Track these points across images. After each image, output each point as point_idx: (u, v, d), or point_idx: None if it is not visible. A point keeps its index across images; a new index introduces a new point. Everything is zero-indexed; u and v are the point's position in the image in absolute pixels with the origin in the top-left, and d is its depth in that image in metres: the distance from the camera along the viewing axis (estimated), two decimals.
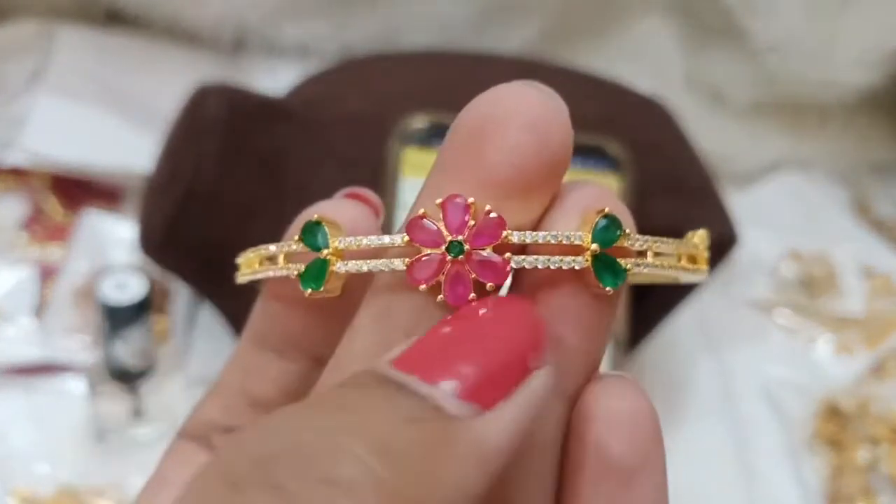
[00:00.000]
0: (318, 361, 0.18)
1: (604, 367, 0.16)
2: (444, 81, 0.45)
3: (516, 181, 0.15)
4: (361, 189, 0.18)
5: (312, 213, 0.17)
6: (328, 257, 0.16)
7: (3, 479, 0.41)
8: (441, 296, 0.15)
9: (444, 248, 0.15)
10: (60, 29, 0.57)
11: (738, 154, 0.61)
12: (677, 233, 0.18)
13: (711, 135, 0.56)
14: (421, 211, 0.15)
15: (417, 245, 0.15)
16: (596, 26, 0.61)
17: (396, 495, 0.11)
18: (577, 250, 0.15)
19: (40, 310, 0.47)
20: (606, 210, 0.15)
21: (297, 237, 0.16)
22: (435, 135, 0.40)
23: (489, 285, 0.15)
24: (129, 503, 0.40)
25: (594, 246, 0.15)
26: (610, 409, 0.15)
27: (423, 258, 0.15)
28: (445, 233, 0.15)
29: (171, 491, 0.17)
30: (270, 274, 0.17)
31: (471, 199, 0.15)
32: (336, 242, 0.16)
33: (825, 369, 0.51)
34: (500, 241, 0.15)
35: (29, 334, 0.46)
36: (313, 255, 0.16)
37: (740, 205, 0.51)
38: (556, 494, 0.15)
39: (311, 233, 0.16)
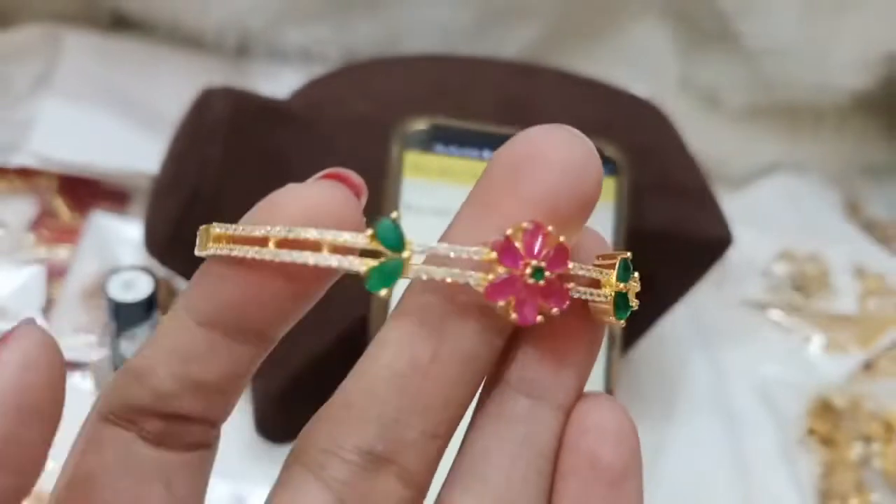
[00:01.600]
0: (268, 342, 0.17)
1: (601, 367, 0.17)
2: (446, 85, 0.46)
3: (554, 218, 0.16)
4: (342, 169, 0.17)
5: (284, 195, 0.16)
6: (407, 260, 0.15)
7: None
8: (514, 315, 0.15)
9: (528, 270, 0.15)
10: (67, 33, 0.58)
11: (733, 157, 0.61)
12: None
13: (706, 138, 0.56)
14: (509, 232, 0.15)
15: (499, 264, 0.15)
16: (593, 31, 0.61)
17: None
18: (594, 284, 0.16)
19: (47, 309, 0.48)
20: (628, 255, 0.17)
21: (370, 233, 0.15)
22: (436, 138, 0.41)
23: (554, 310, 0.16)
24: None
25: (622, 285, 0.16)
26: (601, 423, 0.17)
27: (504, 278, 0.15)
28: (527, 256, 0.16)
29: (103, 494, 0.17)
30: (333, 264, 0.15)
31: (550, 228, 0.15)
32: (412, 245, 0.15)
33: (818, 367, 0.52)
34: (566, 270, 0.16)
35: None
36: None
37: (734, 206, 0.52)
38: (549, 496, 0.17)
39: (390, 231, 0.15)
